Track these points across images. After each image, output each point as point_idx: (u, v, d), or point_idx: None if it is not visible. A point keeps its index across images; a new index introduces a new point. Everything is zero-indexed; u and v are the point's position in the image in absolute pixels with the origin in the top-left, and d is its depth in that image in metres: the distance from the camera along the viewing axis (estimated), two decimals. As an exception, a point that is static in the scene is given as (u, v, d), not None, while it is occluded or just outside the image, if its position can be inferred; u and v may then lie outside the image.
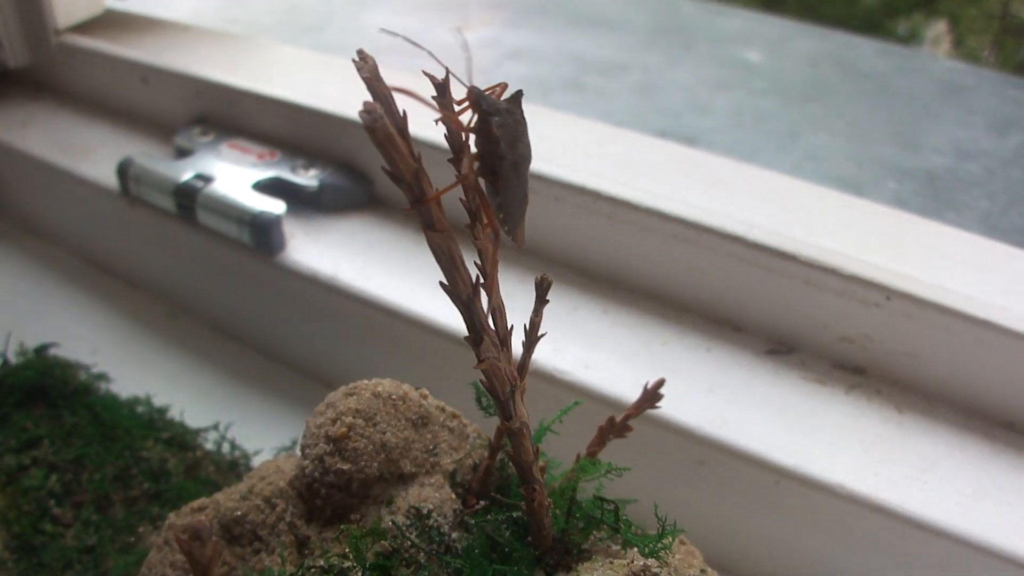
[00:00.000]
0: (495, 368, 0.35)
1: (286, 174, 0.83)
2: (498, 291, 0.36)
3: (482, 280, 0.34)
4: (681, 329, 0.74)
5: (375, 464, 0.44)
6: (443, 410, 0.48)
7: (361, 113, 0.29)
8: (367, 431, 0.44)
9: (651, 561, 0.37)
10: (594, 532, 0.42)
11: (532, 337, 0.40)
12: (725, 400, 0.67)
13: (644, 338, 0.73)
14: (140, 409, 0.73)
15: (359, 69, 0.31)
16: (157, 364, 0.83)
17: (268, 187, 0.81)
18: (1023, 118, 1.90)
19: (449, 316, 0.72)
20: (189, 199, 0.80)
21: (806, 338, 0.73)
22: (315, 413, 0.47)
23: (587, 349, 0.71)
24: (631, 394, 0.66)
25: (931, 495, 0.61)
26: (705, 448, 0.64)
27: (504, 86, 0.35)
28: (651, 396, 0.48)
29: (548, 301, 0.39)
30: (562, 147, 0.83)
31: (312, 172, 0.83)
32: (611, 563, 0.38)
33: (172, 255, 0.88)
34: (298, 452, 0.56)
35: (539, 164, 0.74)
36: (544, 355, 0.68)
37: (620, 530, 0.41)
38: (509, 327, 0.37)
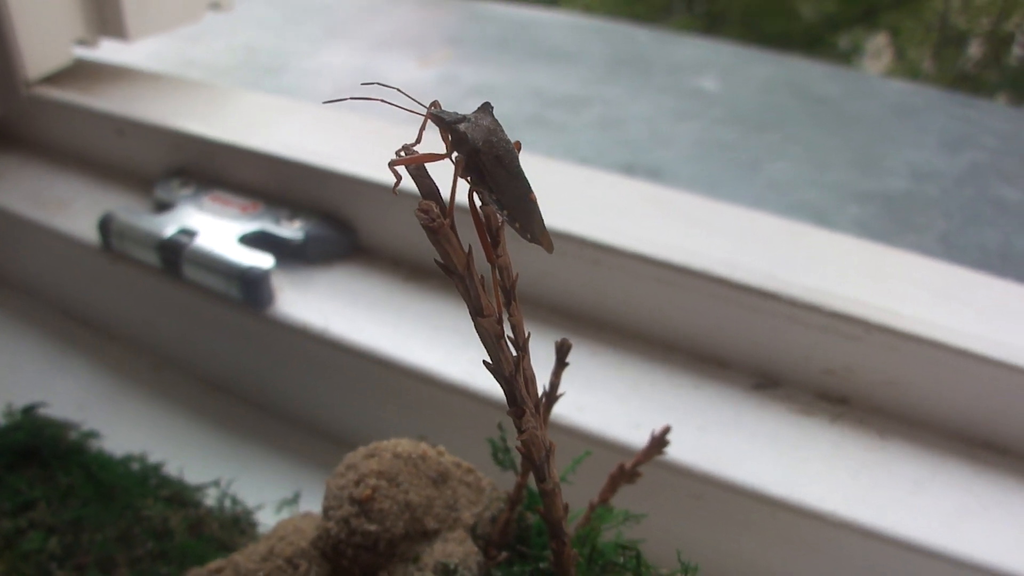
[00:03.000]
0: (534, 437, 0.36)
1: (271, 227, 0.84)
2: (529, 360, 0.37)
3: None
4: (669, 368, 0.76)
5: (400, 523, 0.45)
6: (459, 466, 0.50)
7: (418, 213, 0.31)
8: (391, 491, 0.45)
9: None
10: (617, 579, 0.44)
11: (552, 398, 0.42)
12: (717, 436, 0.69)
13: (634, 379, 0.74)
14: (135, 466, 0.73)
15: (398, 156, 0.32)
16: (147, 420, 0.83)
17: (253, 240, 0.82)
18: (972, 136, 1.96)
19: (443, 366, 0.73)
20: (175, 254, 0.80)
21: (790, 372, 0.75)
22: (335, 475, 0.48)
23: (579, 392, 0.72)
24: (625, 435, 0.68)
25: (919, 517, 0.63)
26: (701, 484, 0.66)
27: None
28: (658, 443, 0.50)
29: (568, 364, 0.40)
30: (543, 192, 0.84)
31: (297, 224, 0.84)
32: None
33: (156, 309, 0.88)
34: (303, 509, 0.57)
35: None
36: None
37: (644, 574, 0.42)
38: (540, 393, 0.38)
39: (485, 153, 0.34)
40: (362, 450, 0.48)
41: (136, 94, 1.01)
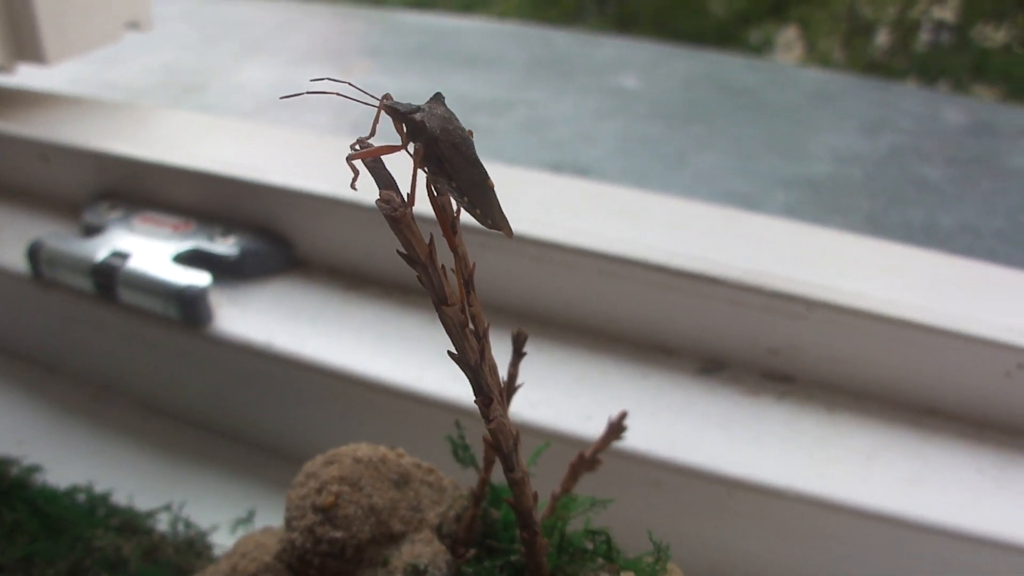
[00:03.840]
0: (502, 425, 0.36)
1: (205, 244, 0.82)
2: (490, 349, 0.37)
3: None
4: (616, 359, 0.76)
5: (367, 528, 0.45)
6: (419, 467, 0.49)
7: (379, 203, 0.30)
8: (354, 496, 0.45)
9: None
10: (588, 564, 0.44)
11: (511, 388, 0.42)
12: (668, 421, 0.70)
13: (582, 371, 0.75)
14: (81, 498, 0.71)
15: (354, 150, 0.32)
16: (91, 449, 0.81)
17: (188, 259, 0.81)
18: (889, 119, 2.01)
19: (391, 372, 0.73)
20: (109, 278, 0.78)
21: (735, 354, 0.76)
22: (295, 485, 0.47)
23: (529, 388, 0.71)
24: (578, 427, 0.68)
25: (873, 485, 0.64)
26: (658, 470, 0.66)
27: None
28: (616, 428, 0.50)
29: (525, 354, 0.40)
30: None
31: (231, 240, 0.83)
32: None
33: (93, 336, 0.86)
34: (258, 526, 0.56)
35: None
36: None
37: (614, 558, 0.42)
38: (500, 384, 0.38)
39: (443, 141, 0.34)
40: (321, 458, 0.48)
41: (58, 118, 0.99)
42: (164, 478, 0.77)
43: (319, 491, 0.45)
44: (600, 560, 0.43)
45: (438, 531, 0.47)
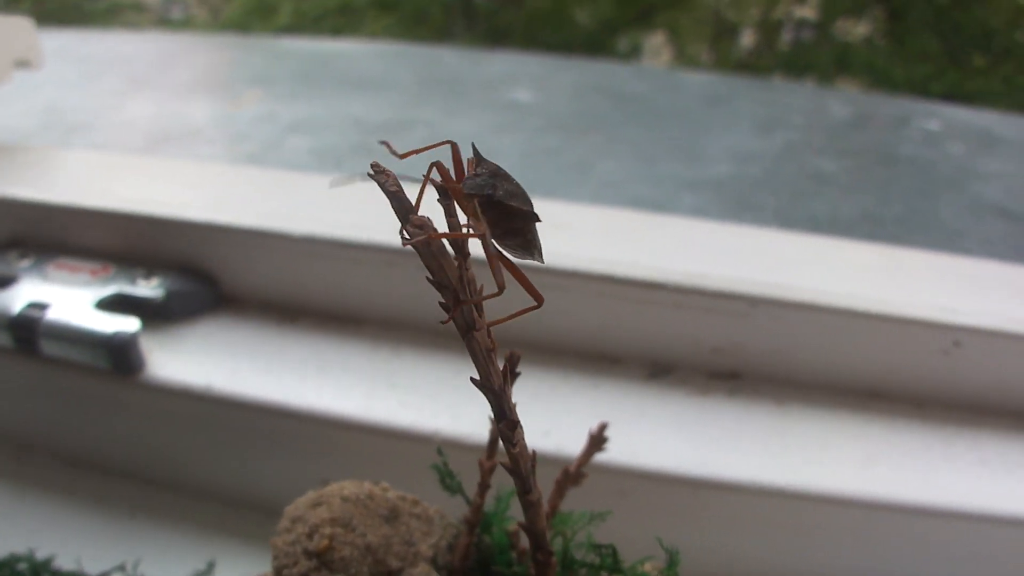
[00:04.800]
0: (524, 449, 0.35)
1: (127, 288, 0.79)
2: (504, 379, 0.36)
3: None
4: (564, 372, 0.76)
5: (365, 568, 0.43)
6: (405, 499, 0.48)
7: (410, 230, 0.29)
8: (349, 537, 0.43)
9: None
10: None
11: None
12: (624, 429, 0.69)
13: (532, 388, 0.74)
14: (23, 567, 0.67)
15: (381, 184, 0.31)
16: (26, 515, 0.76)
17: (112, 304, 0.77)
18: (781, 117, 2.07)
19: (338, 404, 0.71)
20: (29, 331, 0.74)
21: (681, 356, 0.76)
22: (280, 531, 0.45)
23: (483, 411, 0.71)
24: (539, 443, 0.68)
25: (829, 471, 0.66)
26: (622, 478, 0.66)
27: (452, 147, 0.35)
28: (598, 440, 0.50)
29: (519, 374, 0.39)
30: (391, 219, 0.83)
31: (154, 281, 0.80)
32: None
33: (16, 393, 0.82)
34: None
35: (376, 234, 0.75)
36: (446, 424, 0.68)
37: (623, 571, 0.42)
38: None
39: (500, 194, 0.33)
40: (304, 500, 0.46)
41: (-52, 168, 0.94)
42: (112, 537, 0.73)
43: (310, 535, 0.44)
44: (604, 574, 0.43)
45: (433, 563, 0.46)
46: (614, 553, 0.42)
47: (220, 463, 0.77)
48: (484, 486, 0.45)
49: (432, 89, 2.23)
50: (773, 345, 0.74)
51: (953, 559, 0.66)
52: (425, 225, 0.30)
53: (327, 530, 0.43)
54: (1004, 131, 2.64)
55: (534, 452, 0.37)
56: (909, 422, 0.71)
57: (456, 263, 0.32)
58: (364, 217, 0.81)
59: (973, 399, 0.73)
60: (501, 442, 0.36)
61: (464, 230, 0.34)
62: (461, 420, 0.69)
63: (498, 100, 2.19)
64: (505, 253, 0.35)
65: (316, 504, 0.45)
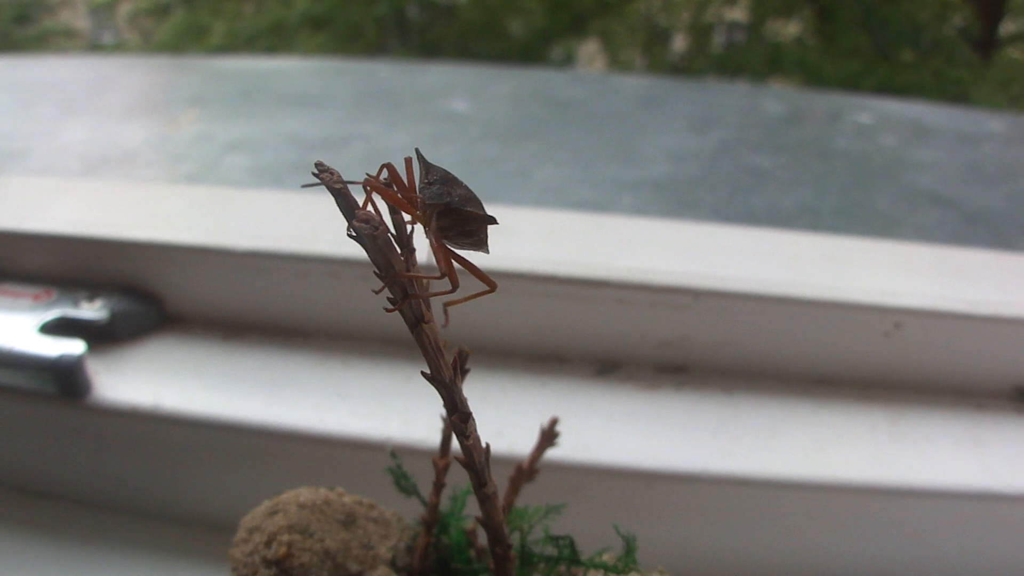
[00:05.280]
0: (478, 442, 0.36)
1: (71, 311, 0.78)
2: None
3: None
4: (513, 374, 0.77)
5: (325, 574, 0.43)
6: (361, 503, 0.48)
7: (357, 225, 0.29)
8: (307, 544, 0.43)
9: (636, 574, 0.39)
10: (553, 570, 0.44)
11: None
12: (575, 426, 0.70)
13: (482, 391, 0.74)
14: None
15: (326, 182, 0.31)
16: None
17: (56, 328, 0.76)
18: (716, 116, 2.10)
19: (288, 417, 0.70)
20: (-30, 361, 0.73)
21: (628, 352, 0.77)
22: (237, 542, 0.45)
23: (432, 413, 0.71)
24: (494, 444, 0.68)
25: (779, 457, 0.67)
26: (575, 475, 0.67)
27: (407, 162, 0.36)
28: (549, 436, 0.50)
29: (468, 370, 0.40)
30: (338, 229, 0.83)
31: (98, 303, 0.79)
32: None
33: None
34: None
35: (320, 246, 0.75)
36: (398, 431, 0.69)
37: (582, 561, 0.42)
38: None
39: (454, 200, 0.34)
40: (261, 509, 0.46)
41: None
42: (66, 566, 0.72)
43: (268, 544, 0.44)
44: (563, 566, 0.43)
45: (393, 565, 0.46)
46: (571, 544, 0.43)
47: (174, 483, 0.76)
48: (439, 485, 0.45)
49: (369, 103, 2.23)
50: (718, 336, 0.75)
51: (905, 535, 0.68)
52: (371, 219, 0.30)
53: (285, 537, 0.43)
54: (934, 121, 2.71)
55: (487, 445, 0.38)
56: (855, 405, 0.73)
57: (403, 257, 0.32)
58: (307, 230, 0.81)
59: (916, 379, 0.75)
60: (455, 436, 0.36)
61: (408, 227, 0.34)
62: (413, 426, 0.69)
63: (435, 111, 2.19)
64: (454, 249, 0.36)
65: (272, 512, 0.45)
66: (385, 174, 0.34)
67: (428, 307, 0.36)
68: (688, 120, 2.10)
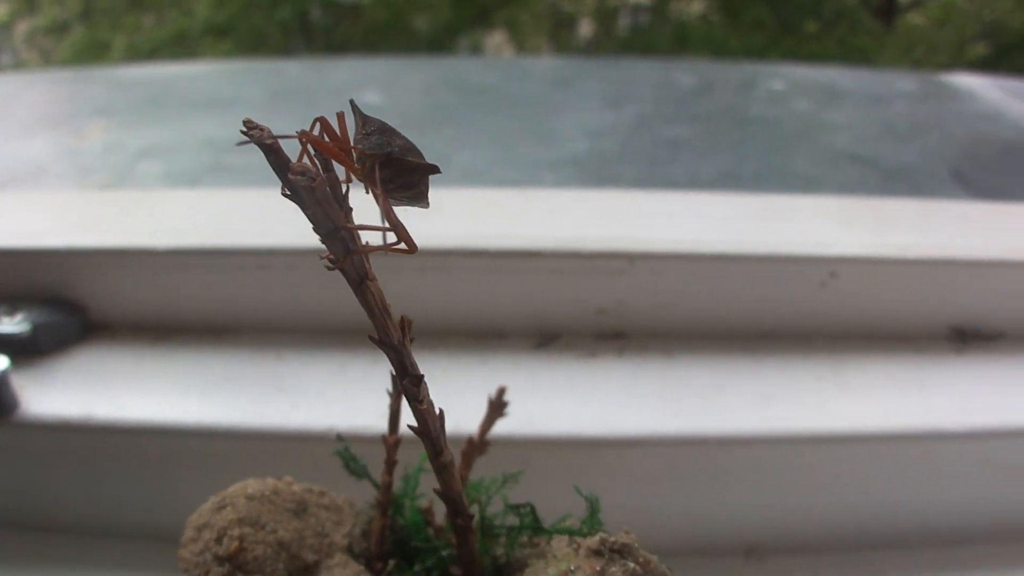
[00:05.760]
0: (432, 406, 0.34)
1: (-12, 327, 0.75)
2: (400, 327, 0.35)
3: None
4: (451, 353, 0.76)
5: (280, 566, 0.42)
6: (311, 491, 0.46)
7: (293, 178, 0.28)
8: (260, 536, 0.42)
9: (603, 535, 0.38)
10: (516, 540, 0.43)
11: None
12: (519, 400, 0.69)
13: (423, 371, 0.73)
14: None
15: (256, 139, 0.29)
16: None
17: (-26, 347, 0.73)
18: (627, 92, 2.11)
19: (226, 416, 0.68)
20: None
21: (566, 323, 0.77)
22: (185, 542, 0.43)
23: (376, 399, 0.69)
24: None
25: (728, 414, 0.67)
26: (524, 448, 0.66)
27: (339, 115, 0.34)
28: (498, 405, 0.50)
29: (413, 339, 0.39)
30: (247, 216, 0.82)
31: (18, 316, 0.76)
32: (555, 556, 0.39)
33: None
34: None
35: (243, 238, 0.73)
36: (341, 419, 0.67)
37: (545, 528, 0.41)
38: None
39: (395, 150, 0.34)
40: (207, 506, 0.44)
41: None
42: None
43: (218, 540, 0.42)
44: (525, 535, 0.42)
45: (349, 551, 0.45)
46: (532, 511, 0.42)
47: (114, 496, 0.73)
48: (391, 463, 0.44)
49: (281, 102, 2.20)
50: (655, 300, 0.75)
51: (856, 482, 0.69)
52: (307, 171, 0.29)
53: (235, 531, 0.42)
54: (845, 84, 2.76)
55: (441, 411, 0.36)
56: (798, 356, 0.73)
57: (343, 212, 0.31)
58: (228, 224, 0.79)
59: (856, 326, 0.76)
60: (407, 403, 0.35)
61: (344, 187, 0.33)
62: (355, 414, 0.68)
63: (349, 105, 2.16)
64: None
65: (220, 507, 0.43)
66: (319, 129, 0.33)
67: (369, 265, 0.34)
68: (602, 97, 2.10)
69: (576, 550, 0.39)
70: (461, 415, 0.66)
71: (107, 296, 0.79)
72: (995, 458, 0.70)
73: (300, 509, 0.45)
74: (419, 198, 0.35)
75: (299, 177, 0.28)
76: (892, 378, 0.73)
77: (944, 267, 0.77)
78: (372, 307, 0.32)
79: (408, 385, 0.34)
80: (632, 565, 0.37)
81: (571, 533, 0.41)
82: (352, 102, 0.34)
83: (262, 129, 0.29)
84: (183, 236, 0.76)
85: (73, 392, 0.71)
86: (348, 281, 0.32)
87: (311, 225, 0.31)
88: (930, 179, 1.83)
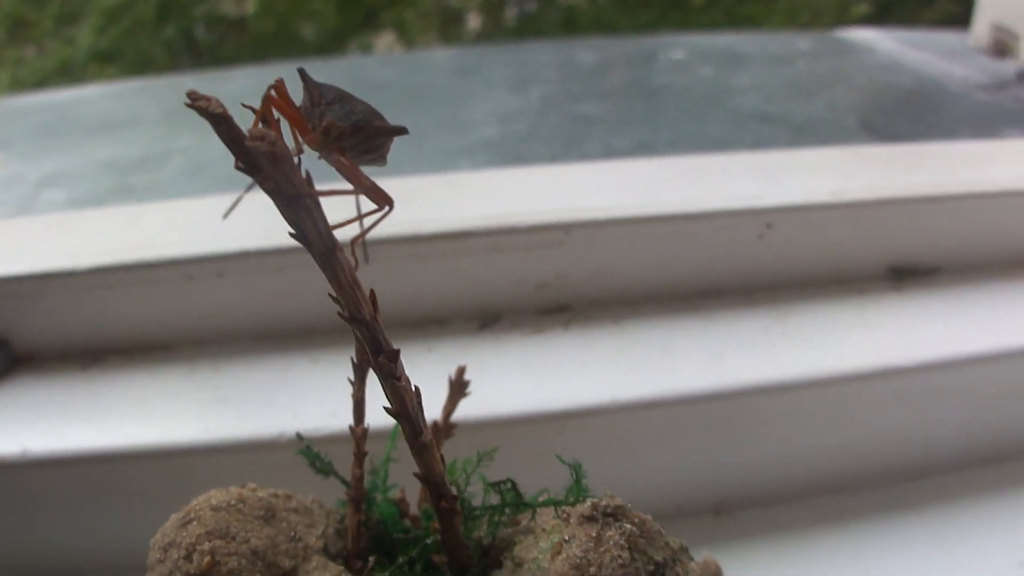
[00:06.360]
0: (408, 383, 0.33)
1: (-97, 372, 0.71)
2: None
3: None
4: (395, 343, 0.74)
5: (257, 575, 0.40)
6: (277, 496, 0.44)
7: (252, 143, 0.26)
8: (232, 547, 0.39)
9: (593, 500, 0.37)
10: (497, 518, 0.41)
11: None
12: (472, 384, 0.68)
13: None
14: None
15: (203, 109, 0.27)
16: None
17: None
18: (532, 74, 2.10)
19: (172, 435, 0.66)
20: None
21: (508, 301, 0.76)
22: (152, 565, 0.41)
23: (324, 400, 0.68)
24: (387, 420, 0.65)
25: (681, 374, 0.67)
26: (486, 430, 0.65)
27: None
28: (459, 385, 0.48)
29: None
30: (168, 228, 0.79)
31: (-67, 358, 0.72)
32: (544, 530, 0.38)
33: None
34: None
35: (168, 250, 0.71)
36: (290, 424, 0.65)
37: (528, 502, 0.40)
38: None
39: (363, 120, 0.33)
40: (170, 523, 0.42)
41: None
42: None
43: (188, 557, 0.39)
44: (508, 512, 0.41)
45: (325, 552, 0.43)
46: (514, 486, 0.40)
47: (63, 532, 0.70)
48: (360, 455, 0.42)
49: (180, 118, 2.13)
50: (595, 268, 0.74)
51: (814, 427, 0.69)
52: (266, 135, 0.27)
53: (205, 546, 0.39)
54: (745, 48, 2.80)
55: (417, 388, 0.35)
56: (743, 310, 0.74)
57: (305, 179, 0.29)
58: (149, 237, 0.76)
59: (796, 275, 0.76)
60: (380, 382, 0.33)
61: (296, 157, 0.31)
62: (304, 417, 0.66)
63: (250, 114, 2.11)
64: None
65: (185, 522, 0.41)
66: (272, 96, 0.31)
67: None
68: (506, 82, 2.09)
69: (565, 520, 0.37)
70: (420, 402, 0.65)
71: (29, 325, 0.75)
72: (944, 388, 0.71)
73: (269, 515, 0.42)
74: (379, 159, 0.34)
75: (259, 142, 0.26)
76: (837, 321, 0.73)
77: (875, 208, 0.77)
78: (342, 281, 0.30)
79: (384, 361, 0.32)
80: (628, 526, 0.36)
81: (556, 504, 0.39)
82: (302, 71, 0.32)
83: (209, 99, 0.27)
84: (104, 254, 0.73)
85: (4, 429, 0.68)
86: (314, 255, 0.30)
87: (272, 198, 0.29)
88: (840, 130, 1.86)
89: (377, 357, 0.32)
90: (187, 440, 0.65)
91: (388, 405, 0.34)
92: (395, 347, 0.33)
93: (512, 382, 0.67)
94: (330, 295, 0.32)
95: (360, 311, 0.31)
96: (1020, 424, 0.75)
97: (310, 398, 0.68)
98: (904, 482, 0.73)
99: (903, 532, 0.69)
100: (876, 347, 0.70)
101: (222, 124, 0.27)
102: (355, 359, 0.41)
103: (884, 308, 0.75)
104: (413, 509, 0.47)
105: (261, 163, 0.26)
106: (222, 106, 0.28)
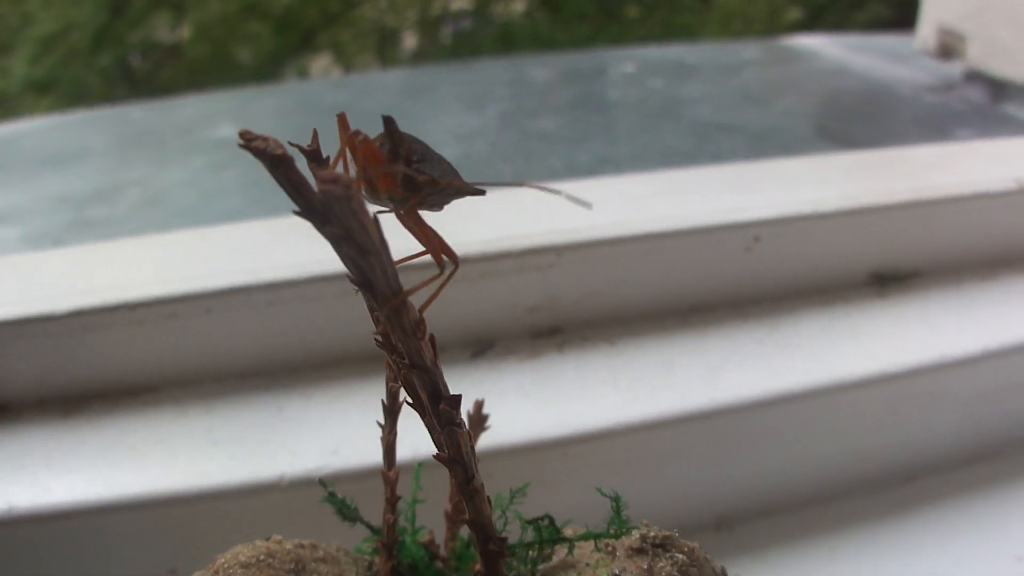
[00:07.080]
0: (463, 427, 0.32)
1: None
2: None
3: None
4: (382, 375, 0.72)
5: (294, 629, 0.38)
6: (303, 546, 0.43)
7: (325, 187, 0.25)
8: (265, 602, 0.38)
9: (642, 532, 0.36)
10: (534, 554, 0.41)
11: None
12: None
13: (362, 402, 0.70)
14: None
15: (261, 151, 0.26)
16: None
17: None
18: (486, 92, 2.10)
19: (166, 481, 0.64)
20: None
21: (500, 326, 0.75)
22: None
23: (320, 440, 0.66)
24: (400, 452, 0.64)
25: (681, 391, 0.67)
26: (486, 462, 0.63)
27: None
28: (478, 420, 0.47)
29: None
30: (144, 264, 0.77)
31: (-94, 414, 0.69)
32: (588, 564, 0.37)
33: None
34: None
35: (149, 289, 0.69)
36: (289, 464, 0.63)
37: (567, 538, 0.39)
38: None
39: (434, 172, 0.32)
40: (197, 580, 0.40)
41: None
42: None
43: (221, 616, 0.38)
44: (546, 548, 0.40)
45: (358, 600, 0.41)
46: (552, 522, 0.40)
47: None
48: (392, 500, 0.41)
49: (131, 147, 2.10)
50: (587, 289, 0.74)
51: (814, 437, 0.69)
52: (339, 177, 0.25)
53: (238, 603, 0.38)
54: (694, 59, 2.83)
55: (469, 432, 0.34)
56: (735, 324, 0.74)
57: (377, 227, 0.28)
58: (128, 276, 0.74)
59: (783, 286, 0.77)
60: (439, 428, 0.32)
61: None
62: (304, 456, 0.64)
63: (203, 141, 2.09)
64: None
65: (214, 580, 0.40)
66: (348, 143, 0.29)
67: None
68: (462, 101, 2.09)
69: (611, 553, 0.37)
70: (415, 439, 0.63)
71: (4, 373, 0.73)
72: (933, 391, 0.72)
73: (299, 568, 0.41)
74: (437, 208, 0.33)
75: (332, 186, 0.25)
76: (826, 330, 0.74)
77: (855, 216, 0.78)
78: (405, 327, 0.29)
79: (447, 409, 0.31)
80: (679, 556, 0.36)
81: (597, 537, 0.39)
82: (390, 119, 0.31)
83: (266, 139, 0.26)
84: (81, 296, 0.71)
85: (-15, 484, 0.65)
86: (378, 302, 0.29)
87: (334, 244, 0.27)
88: (797, 138, 1.88)
89: (438, 404, 0.31)
90: (181, 487, 0.63)
91: (437, 451, 0.33)
92: (453, 395, 0.32)
93: (511, 410, 0.67)
94: (376, 339, 0.31)
95: (421, 357, 0.30)
96: (1009, 420, 0.76)
97: (308, 436, 0.66)
98: (900, 484, 0.74)
99: (902, 534, 0.69)
100: (867, 354, 0.71)
101: (280, 167, 0.26)
102: (386, 401, 0.39)
103: (869, 314, 0.76)
104: (443, 551, 0.46)
105: (332, 208, 0.25)
106: (281, 146, 0.26)
